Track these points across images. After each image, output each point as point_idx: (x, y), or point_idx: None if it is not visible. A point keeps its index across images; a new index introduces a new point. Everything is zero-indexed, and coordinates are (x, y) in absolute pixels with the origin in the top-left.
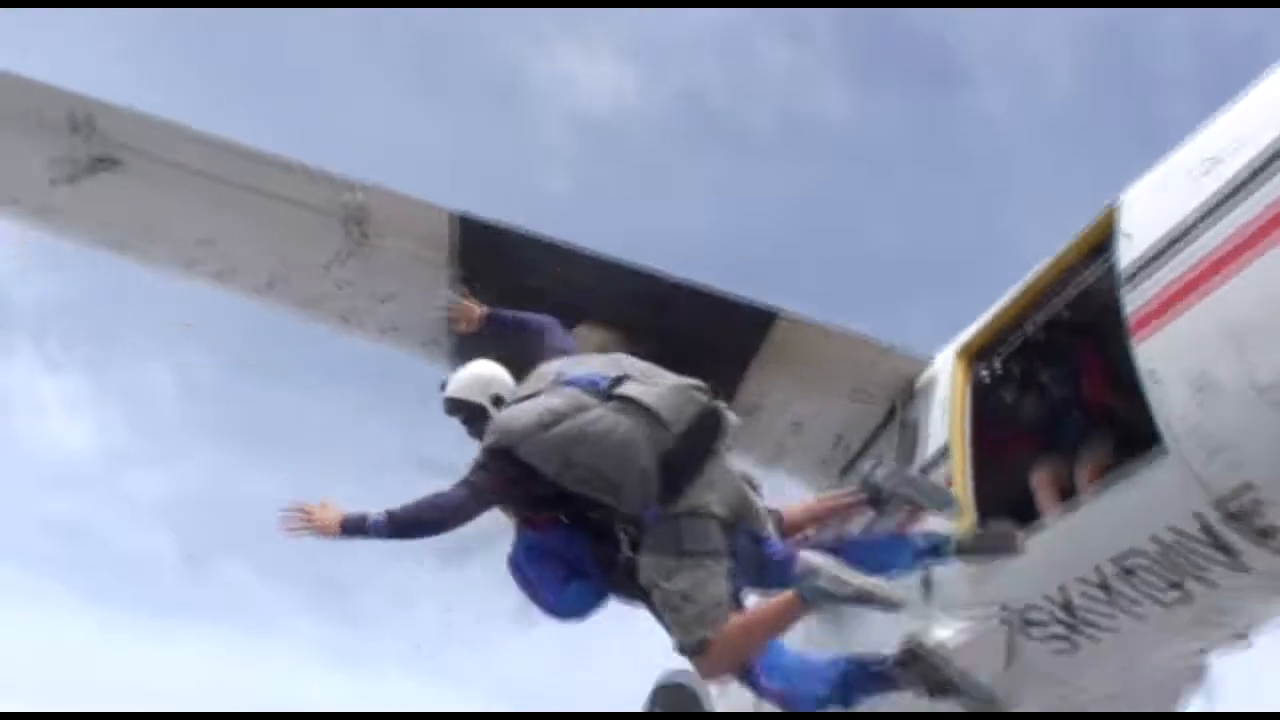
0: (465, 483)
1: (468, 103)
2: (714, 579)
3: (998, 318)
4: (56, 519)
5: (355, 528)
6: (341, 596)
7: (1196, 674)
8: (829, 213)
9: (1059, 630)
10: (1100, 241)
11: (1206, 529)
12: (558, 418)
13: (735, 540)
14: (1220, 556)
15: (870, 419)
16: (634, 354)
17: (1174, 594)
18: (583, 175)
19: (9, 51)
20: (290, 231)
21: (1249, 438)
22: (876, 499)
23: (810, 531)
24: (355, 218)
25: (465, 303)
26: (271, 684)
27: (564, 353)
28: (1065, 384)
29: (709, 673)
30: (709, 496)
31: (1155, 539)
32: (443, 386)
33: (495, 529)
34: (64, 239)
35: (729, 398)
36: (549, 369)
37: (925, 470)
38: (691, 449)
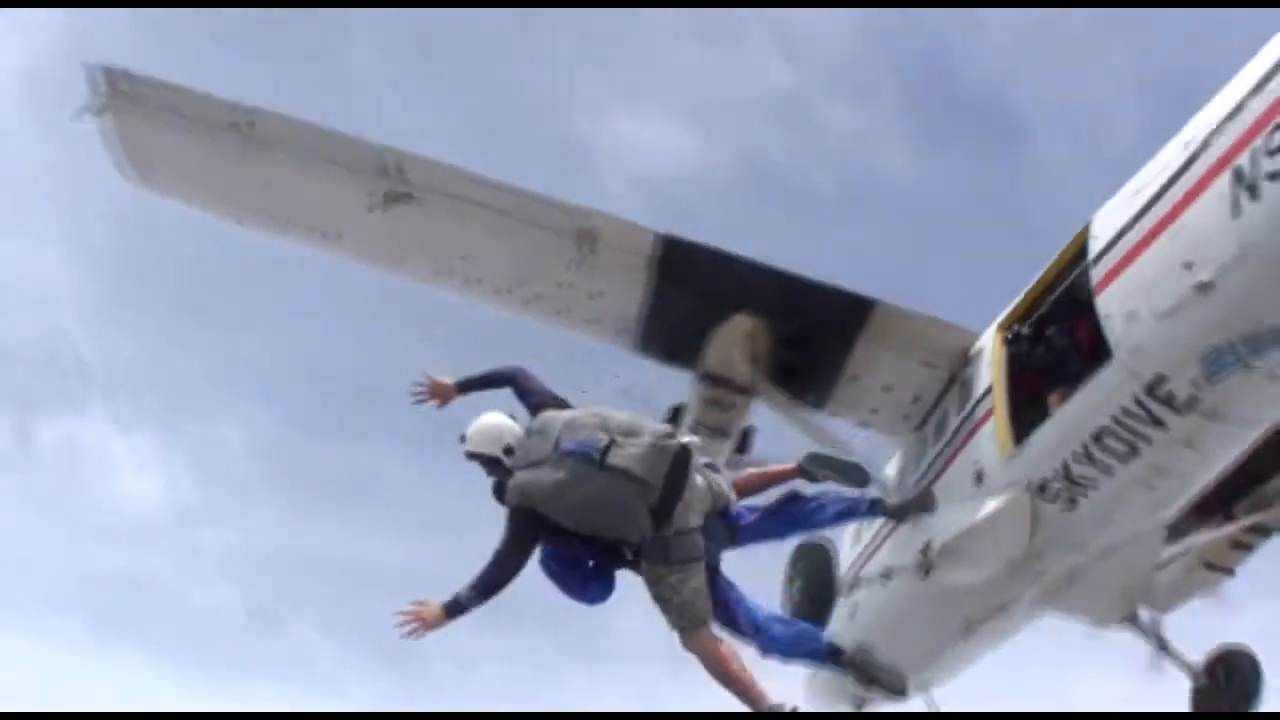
0: (506, 542)
1: (535, 167)
2: (695, 576)
3: (1021, 301)
4: (124, 573)
5: (455, 609)
6: (405, 656)
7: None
8: (892, 270)
9: (1062, 491)
10: (1083, 244)
11: (1142, 406)
12: (565, 490)
13: (710, 525)
14: (1153, 426)
15: (939, 381)
16: (774, 336)
17: (1130, 456)
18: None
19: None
20: (534, 247)
21: (1158, 345)
22: (807, 472)
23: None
24: (589, 236)
25: (436, 379)
26: None
27: (546, 394)
28: (1065, 337)
29: (691, 648)
30: (688, 516)
31: (1114, 418)
32: (462, 439)
33: None
34: (362, 261)
35: (840, 367)
36: (550, 431)
37: (975, 404)
38: (671, 489)
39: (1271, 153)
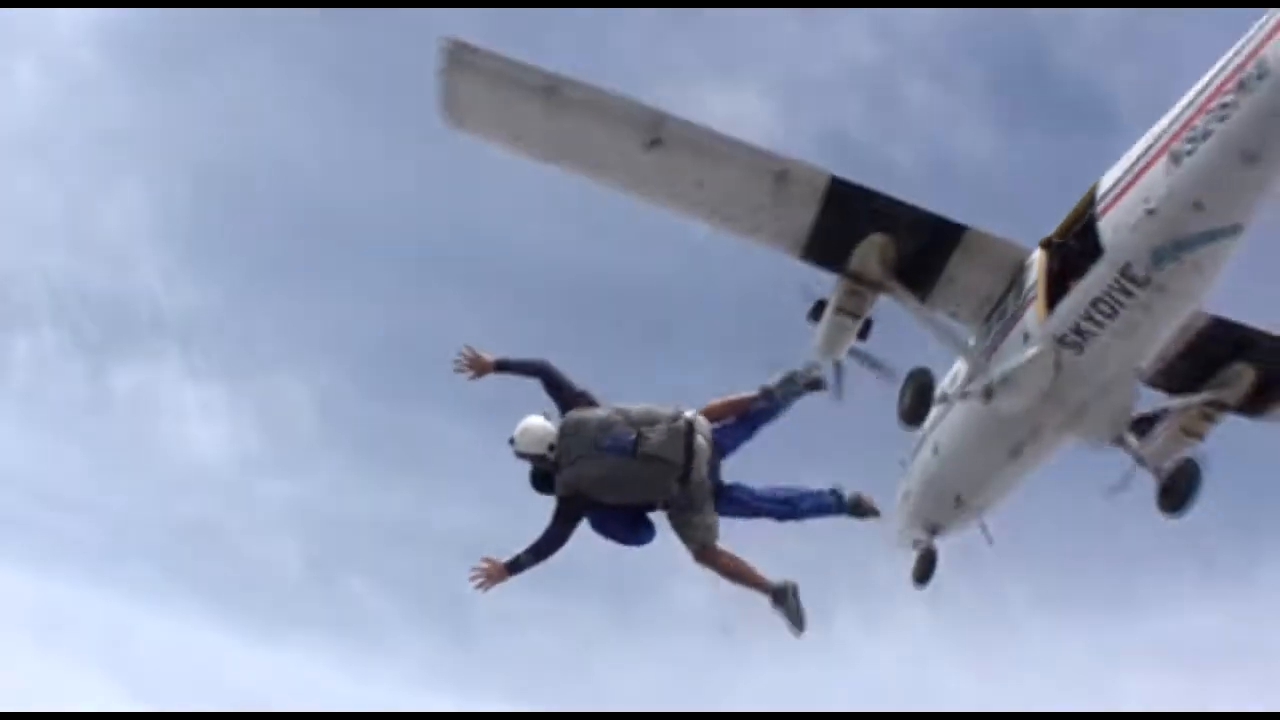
0: (556, 520)
1: None
2: (708, 512)
3: (1058, 228)
4: (187, 521)
5: (515, 567)
6: (456, 615)
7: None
8: None
9: (1074, 340)
10: (1093, 193)
11: (1118, 284)
12: (610, 478)
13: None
14: (1125, 295)
15: (1004, 283)
16: (898, 249)
17: (1113, 315)
18: None
19: None
20: (743, 182)
21: (1127, 246)
22: (769, 396)
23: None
24: (782, 176)
25: (478, 353)
26: (369, 697)
27: (572, 390)
28: (1079, 246)
29: (705, 562)
30: (700, 474)
31: (1104, 291)
32: (511, 441)
33: None
34: (625, 189)
35: (940, 271)
36: (584, 431)
37: (1026, 292)
38: (689, 460)
39: (1189, 141)
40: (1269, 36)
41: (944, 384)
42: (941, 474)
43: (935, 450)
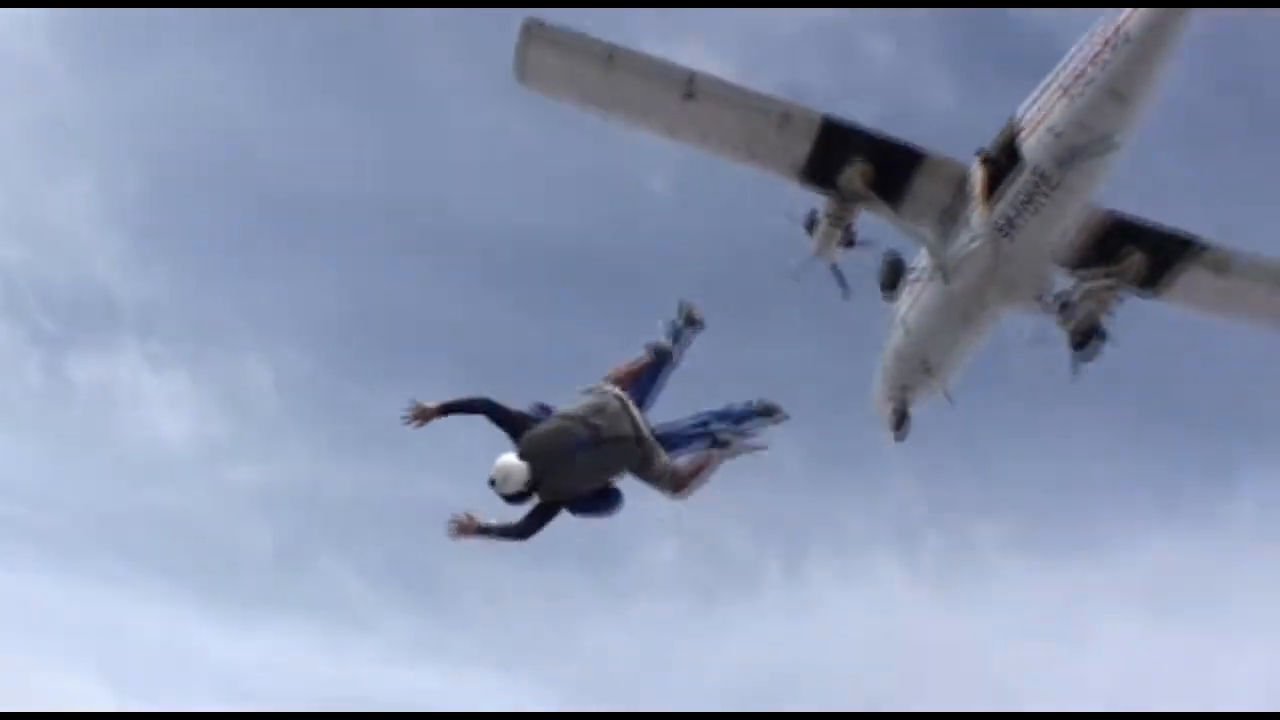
0: (535, 518)
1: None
2: (662, 456)
3: (990, 147)
4: (156, 510)
5: (487, 532)
6: (435, 591)
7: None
8: None
9: (1007, 228)
10: (1014, 120)
11: (1033, 183)
12: (585, 472)
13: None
14: (1040, 193)
15: (952, 193)
16: (875, 169)
17: (1032, 207)
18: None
19: None
20: (754, 123)
21: (1038, 156)
22: (660, 351)
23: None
24: (786, 117)
25: (421, 403)
26: (352, 676)
27: (517, 416)
28: (1005, 158)
29: (680, 491)
30: (646, 432)
31: (1025, 189)
32: (492, 483)
33: None
34: (663, 132)
35: (908, 186)
36: (551, 449)
37: (970, 197)
38: (637, 426)
39: (1081, 84)
40: (1128, 16)
41: (913, 271)
42: (911, 345)
43: (905, 329)
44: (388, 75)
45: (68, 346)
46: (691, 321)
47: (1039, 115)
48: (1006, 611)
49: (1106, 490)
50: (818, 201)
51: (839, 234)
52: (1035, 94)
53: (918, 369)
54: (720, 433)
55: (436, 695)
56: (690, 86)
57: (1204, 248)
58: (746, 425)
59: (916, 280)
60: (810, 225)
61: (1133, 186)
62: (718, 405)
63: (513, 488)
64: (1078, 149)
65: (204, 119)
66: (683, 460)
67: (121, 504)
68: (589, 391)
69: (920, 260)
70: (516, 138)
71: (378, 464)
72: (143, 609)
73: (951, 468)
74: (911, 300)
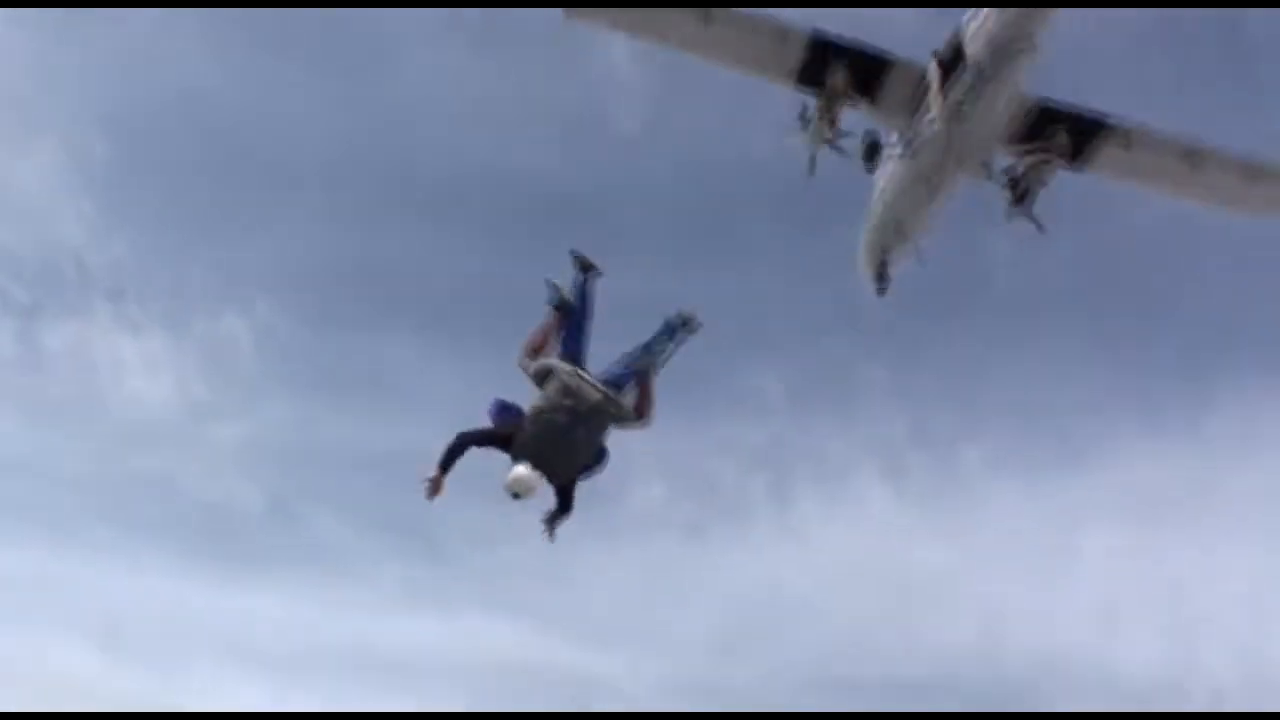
0: (561, 496)
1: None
2: (620, 398)
3: (942, 48)
4: (141, 474)
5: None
6: (426, 538)
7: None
8: None
9: (958, 111)
10: (959, 32)
11: (975, 76)
12: (580, 444)
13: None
14: (982, 82)
15: (915, 87)
16: (855, 74)
17: (976, 94)
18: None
19: None
20: (757, 41)
21: (978, 57)
22: (563, 306)
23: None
24: (783, 34)
25: (432, 476)
26: (354, 625)
27: (498, 432)
28: (955, 58)
29: (646, 416)
30: (606, 389)
31: (970, 81)
32: (516, 496)
33: None
34: (685, 49)
35: (882, 86)
36: (544, 440)
37: (929, 90)
38: (598, 387)
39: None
40: None
41: (887, 148)
42: (887, 212)
43: (882, 199)
44: (343, 25)
45: (41, 315)
46: (585, 265)
47: (979, 27)
48: (993, 531)
49: (1088, 409)
50: (808, 103)
51: (827, 128)
52: (975, 12)
53: (893, 231)
54: (639, 363)
55: (435, 640)
56: (710, 15)
57: (1114, 126)
58: (662, 345)
59: (889, 158)
60: (803, 120)
61: (1062, 78)
62: (644, 338)
63: (533, 494)
64: (1008, 49)
65: (163, 76)
66: (629, 397)
67: (106, 469)
68: (538, 375)
69: (893, 140)
70: (476, 80)
71: (361, 412)
72: (135, 574)
73: (934, 390)
74: (887, 176)
